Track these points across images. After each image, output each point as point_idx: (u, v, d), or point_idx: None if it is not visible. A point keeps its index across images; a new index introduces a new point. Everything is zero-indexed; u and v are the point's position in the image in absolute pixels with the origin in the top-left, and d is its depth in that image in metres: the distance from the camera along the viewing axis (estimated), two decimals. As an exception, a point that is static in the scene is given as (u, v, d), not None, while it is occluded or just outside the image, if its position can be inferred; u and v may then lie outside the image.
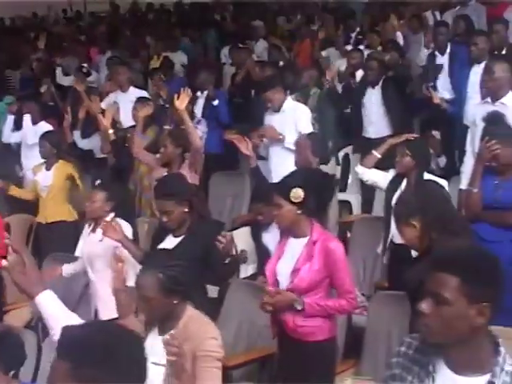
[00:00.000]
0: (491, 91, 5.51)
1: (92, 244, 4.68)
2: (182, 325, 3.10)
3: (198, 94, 7.81)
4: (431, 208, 3.46)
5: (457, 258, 2.13)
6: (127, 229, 4.54)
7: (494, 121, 4.65)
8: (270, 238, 4.93)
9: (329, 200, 5.61)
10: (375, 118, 7.25)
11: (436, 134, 6.63)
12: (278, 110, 6.28)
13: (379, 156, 5.18)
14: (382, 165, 5.25)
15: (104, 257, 4.51)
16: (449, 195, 4.08)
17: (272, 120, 6.30)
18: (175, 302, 3.09)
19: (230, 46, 10.28)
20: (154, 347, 2.47)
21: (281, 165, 5.79)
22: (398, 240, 4.80)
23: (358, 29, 10.27)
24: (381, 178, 5.09)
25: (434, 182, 4.58)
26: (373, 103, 7.27)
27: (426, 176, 4.78)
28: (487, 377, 2.04)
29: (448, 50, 7.58)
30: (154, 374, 2.63)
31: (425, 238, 3.49)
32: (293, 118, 6.15)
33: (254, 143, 6.04)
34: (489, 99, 5.55)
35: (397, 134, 5.77)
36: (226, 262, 4.04)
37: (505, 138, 4.44)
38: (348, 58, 8.38)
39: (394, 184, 4.93)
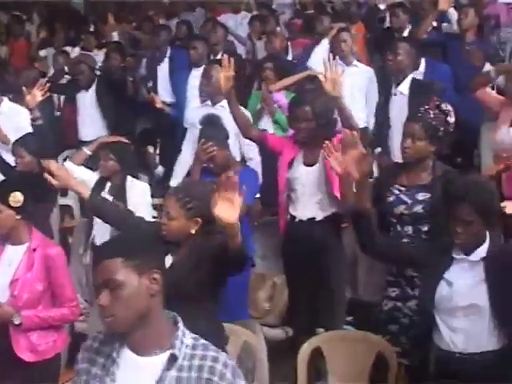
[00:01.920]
0: (210, 94, 5.67)
1: None
2: None
3: None
4: None
5: (118, 240, 2.35)
6: None
7: (210, 123, 4.76)
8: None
9: (51, 204, 5.45)
10: (89, 121, 7.25)
11: (150, 148, 6.75)
12: None
13: (89, 153, 5.15)
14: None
15: None
16: None
17: None
18: None
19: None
20: None
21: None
22: (99, 241, 4.80)
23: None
24: (90, 177, 4.97)
25: None
26: (87, 106, 7.26)
27: (130, 180, 4.80)
28: (168, 352, 2.11)
29: (168, 54, 7.71)
30: None
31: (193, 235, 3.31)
32: (12, 120, 5.89)
33: None
34: (209, 102, 5.71)
35: (113, 135, 5.74)
36: None
37: (220, 139, 4.57)
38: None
39: (99, 186, 4.86)
